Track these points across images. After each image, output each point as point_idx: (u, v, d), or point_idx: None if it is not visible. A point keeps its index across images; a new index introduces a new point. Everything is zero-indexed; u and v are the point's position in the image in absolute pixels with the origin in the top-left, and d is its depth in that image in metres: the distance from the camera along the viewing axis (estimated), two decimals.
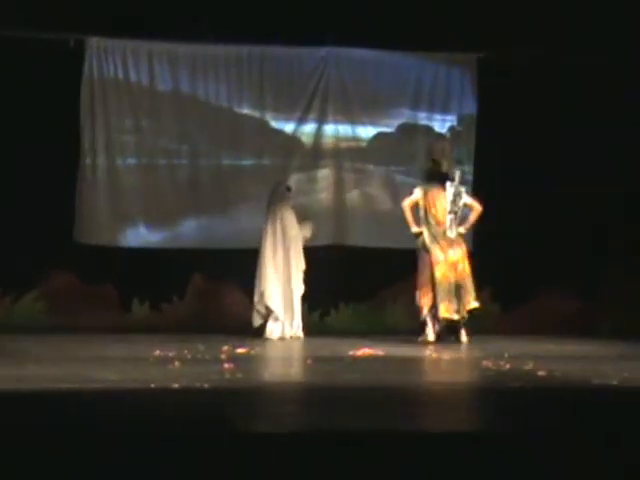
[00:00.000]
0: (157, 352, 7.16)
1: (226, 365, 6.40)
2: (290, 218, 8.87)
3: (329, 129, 10.16)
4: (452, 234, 8.52)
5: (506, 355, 7.27)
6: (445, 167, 8.68)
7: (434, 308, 8.44)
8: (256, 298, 8.73)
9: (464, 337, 8.50)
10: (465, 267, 8.53)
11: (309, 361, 7.02)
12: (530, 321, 9.98)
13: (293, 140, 10.11)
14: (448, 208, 8.54)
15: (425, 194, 8.65)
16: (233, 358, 6.99)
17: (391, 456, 3.74)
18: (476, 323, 9.99)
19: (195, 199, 9.94)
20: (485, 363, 6.77)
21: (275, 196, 8.94)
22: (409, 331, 9.75)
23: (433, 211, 8.61)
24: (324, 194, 10.16)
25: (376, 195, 10.25)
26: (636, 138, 9.88)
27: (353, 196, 10.21)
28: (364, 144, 10.26)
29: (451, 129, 10.36)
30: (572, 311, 10.12)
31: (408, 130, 10.28)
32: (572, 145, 9.96)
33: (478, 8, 9.40)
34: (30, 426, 3.98)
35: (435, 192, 8.63)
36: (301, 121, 10.09)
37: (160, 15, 9.34)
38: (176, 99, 9.93)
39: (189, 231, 9.94)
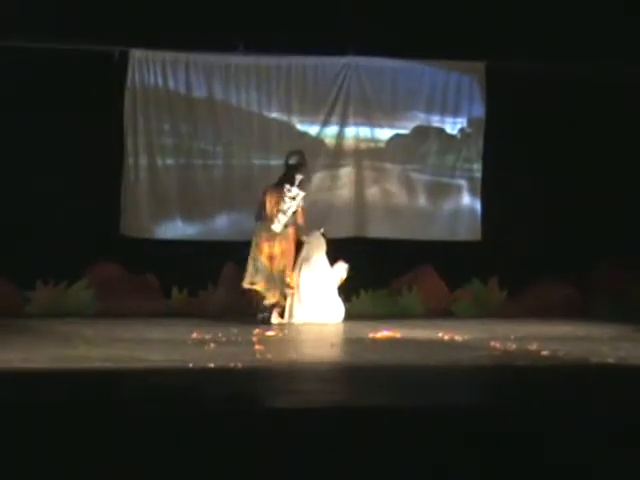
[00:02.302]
0: (194, 335, 7.20)
1: (257, 347, 6.43)
2: (325, 264, 8.88)
3: (350, 131, 10.12)
4: (277, 229, 8.52)
5: (512, 337, 7.26)
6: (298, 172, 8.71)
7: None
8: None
9: (272, 318, 8.54)
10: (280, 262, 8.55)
11: (333, 343, 7.02)
12: (533, 306, 9.94)
13: (317, 141, 10.09)
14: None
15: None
16: (263, 341, 7.02)
17: (406, 430, 3.75)
18: (485, 307, 10.05)
19: (227, 196, 9.93)
20: (493, 344, 6.76)
21: (312, 245, 8.93)
22: (423, 315, 9.80)
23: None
24: (346, 190, 10.14)
25: (393, 191, 10.21)
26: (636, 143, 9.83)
27: (372, 192, 10.17)
28: (382, 145, 10.22)
29: (461, 130, 10.32)
30: (569, 296, 10.05)
31: (422, 132, 10.23)
32: (570, 147, 9.92)
33: (486, 20, 9.37)
34: (81, 402, 4.01)
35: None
36: (324, 124, 10.07)
37: (196, 28, 9.34)
38: (210, 105, 9.91)
39: (222, 225, 9.92)
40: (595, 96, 9.76)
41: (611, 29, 9.38)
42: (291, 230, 8.64)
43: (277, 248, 8.60)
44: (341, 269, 9.02)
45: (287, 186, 8.62)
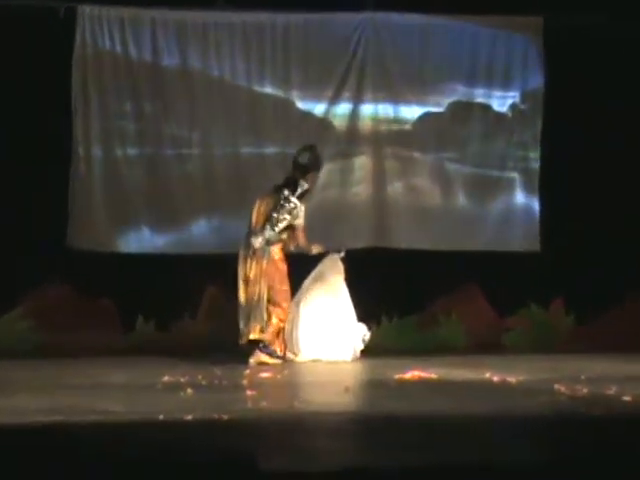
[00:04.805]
0: (166, 378, 7.20)
1: (248, 392, 6.44)
2: (342, 291, 8.93)
3: (367, 109, 10.16)
4: (257, 244, 8.54)
5: (583, 377, 7.25)
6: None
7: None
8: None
9: (250, 359, 8.53)
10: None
11: (347, 387, 7.03)
12: (611, 335, 9.94)
13: (324, 123, 10.12)
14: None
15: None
16: (256, 384, 7.02)
17: None
18: (546, 338, 10.02)
19: (209, 195, 9.98)
20: (557, 387, 6.75)
21: (326, 267, 8.96)
22: (465, 349, 9.77)
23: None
24: (362, 187, 10.17)
25: (423, 187, 10.25)
26: None
27: (396, 189, 10.21)
28: (409, 127, 10.25)
29: (513, 108, 10.34)
30: None
31: (461, 109, 10.27)
32: None
33: None
34: (21, 466, 4.03)
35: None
36: (333, 101, 10.11)
37: None
38: (185, 77, 9.96)
39: (202, 234, 9.98)
40: None
41: None
42: (276, 249, 8.61)
43: (253, 269, 8.59)
44: (361, 334, 9.01)
45: (286, 192, 8.63)
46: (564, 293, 10.08)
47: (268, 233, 8.56)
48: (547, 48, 10.15)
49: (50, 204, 9.55)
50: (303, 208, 8.69)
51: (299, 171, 8.72)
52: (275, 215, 8.57)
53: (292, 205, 8.61)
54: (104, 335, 9.56)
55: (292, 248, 8.83)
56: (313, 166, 8.82)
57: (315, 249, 8.93)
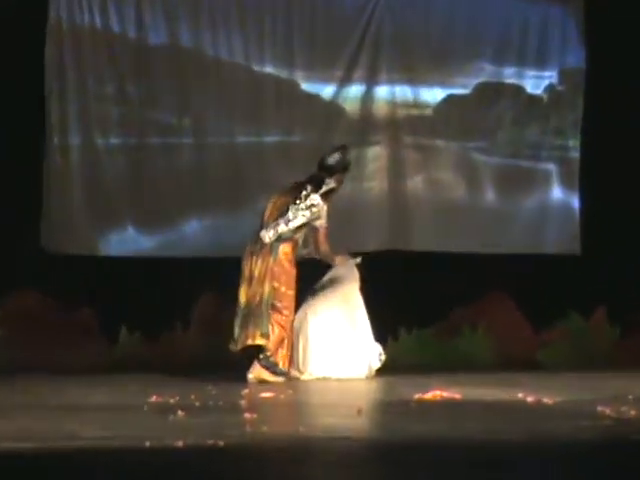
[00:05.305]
0: (154, 398, 7.19)
1: (247, 415, 6.42)
2: (357, 301, 8.95)
3: (382, 92, 10.20)
4: (266, 238, 8.56)
5: (630, 397, 7.23)
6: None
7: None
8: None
9: (249, 374, 8.52)
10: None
11: (360, 409, 7.01)
12: None
13: (333, 108, 10.17)
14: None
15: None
16: (256, 405, 7.00)
17: None
18: (587, 353, 9.99)
19: (202, 191, 10.00)
20: (601, 409, 6.73)
21: (339, 273, 8.99)
22: (495, 365, 9.76)
23: None
24: (376, 181, 10.21)
25: (447, 181, 10.30)
26: None
27: (416, 183, 10.25)
28: (429, 112, 10.30)
29: (550, 89, 10.38)
30: None
31: (490, 91, 10.32)
32: None
33: None
34: None
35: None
36: (343, 82, 10.14)
37: None
38: (174, 56, 9.99)
39: (194, 235, 10.02)
40: None
41: None
42: (288, 249, 8.60)
43: (258, 266, 8.58)
44: (377, 350, 9.01)
45: (309, 187, 8.66)
46: (607, 302, 10.11)
47: (281, 228, 8.56)
48: (589, 19, 10.19)
49: (22, 200, 9.56)
50: (326, 208, 8.70)
51: (325, 172, 8.75)
52: (292, 210, 8.58)
53: (314, 201, 8.63)
54: (84, 349, 9.61)
55: (305, 253, 8.81)
56: (341, 167, 8.82)
57: (339, 260, 8.94)
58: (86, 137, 9.85)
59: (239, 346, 8.55)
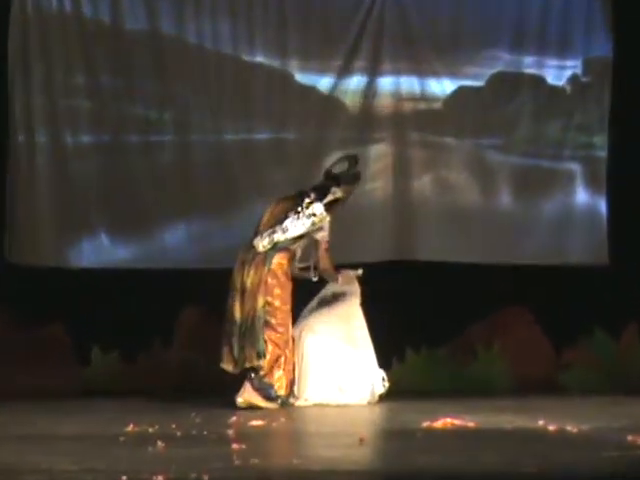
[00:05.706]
0: (130, 427, 7.17)
1: (235, 445, 6.39)
2: (358, 318, 8.97)
3: (385, 84, 10.20)
4: (260, 246, 8.61)
5: None
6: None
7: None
8: None
9: (239, 397, 8.49)
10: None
11: (362, 438, 6.99)
12: None
13: (331, 102, 10.18)
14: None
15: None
16: (245, 435, 6.98)
17: None
18: (616, 376, 9.99)
19: (185, 195, 10.00)
20: (632, 438, 6.71)
21: (338, 289, 9.01)
22: (512, 389, 9.74)
23: None
24: (379, 183, 10.22)
25: (458, 183, 10.30)
26: None
27: (423, 185, 10.27)
28: (439, 105, 10.32)
29: (573, 80, 10.38)
30: None
31: (507, 83, 10.33)
32: None
33: None
34: None
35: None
36: (343, 73, 10.14)
37: None
38: (154, 44, 10.00)
39: (176, 242, 10.01)
40: None
41: None
42: (283, 260, 8.59)
43: (251, 277, 8.55)
44: (380, 375, 9.00)
45: (312, 195, 8.69)
46: (638, 318, 10.01)
47: (277, 237, 8.58)
48: (616, 3, 10.20)
49: None
50: (329, 219, 8.73)
51: (331, 181, 8.81)
52: (291, 218, 8.60)
53: (316, 211, 8.66)
54: (53, 371, 9.64)
55: (297, 268, 8.82)
56: (351, 179, 8.88)
57: (342, 279, 8.95)
58: (54, 135, 9.88)
59: (238, 369, 8.52)
